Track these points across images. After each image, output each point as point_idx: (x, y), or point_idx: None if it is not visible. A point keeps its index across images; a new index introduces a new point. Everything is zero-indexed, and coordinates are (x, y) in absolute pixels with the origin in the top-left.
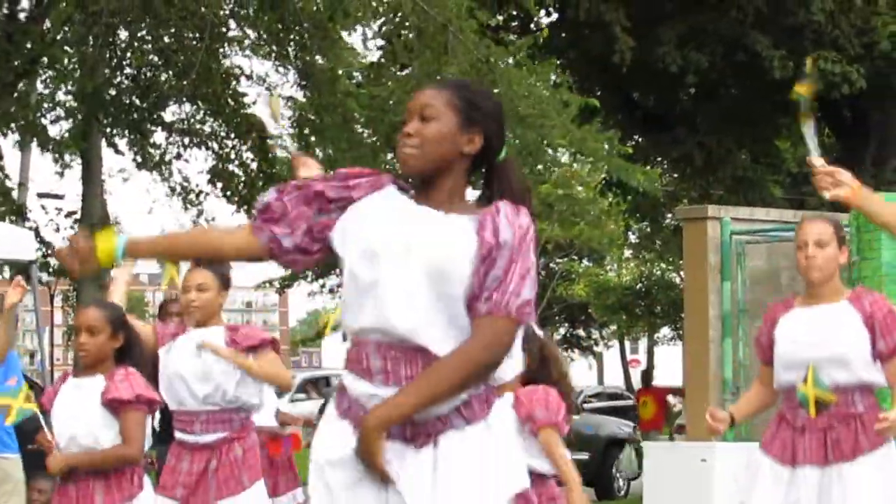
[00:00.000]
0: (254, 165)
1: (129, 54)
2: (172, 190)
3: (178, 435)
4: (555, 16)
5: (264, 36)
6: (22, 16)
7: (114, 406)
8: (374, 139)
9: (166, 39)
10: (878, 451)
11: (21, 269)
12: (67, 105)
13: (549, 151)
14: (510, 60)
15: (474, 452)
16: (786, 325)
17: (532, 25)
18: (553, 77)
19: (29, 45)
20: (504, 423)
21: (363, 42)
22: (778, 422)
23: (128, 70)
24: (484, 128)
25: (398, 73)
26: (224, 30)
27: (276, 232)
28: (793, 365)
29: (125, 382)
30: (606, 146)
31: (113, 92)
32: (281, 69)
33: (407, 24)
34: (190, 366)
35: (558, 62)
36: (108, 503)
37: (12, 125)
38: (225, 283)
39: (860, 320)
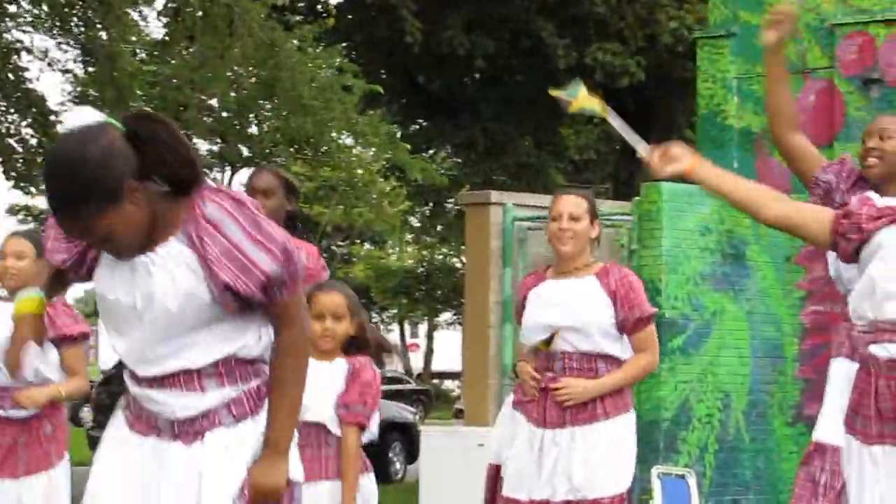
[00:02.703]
0: (33, 141)
1: None
2: None
3: None
4: None
5: (46, 11)
6: None
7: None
8: None
9: None
10: (614, 419)
11: None
12: None
13: (333, 135)
14: (295, 43)
15: (242, 449)
16: (536, 294)
17: (319, 7)
18: (338, 61)
19: None
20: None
21: (144, 18)
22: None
23: None
24: (115, 187)
25: (183, 51)
26: (5, 4)
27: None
28: (538, 329)
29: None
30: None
31: None
32: (63, 45)
33: (191, 1)
34: (1, 339)
35: (343, 46)
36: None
37: None
38: (43, 251)
39: (605, 295)
